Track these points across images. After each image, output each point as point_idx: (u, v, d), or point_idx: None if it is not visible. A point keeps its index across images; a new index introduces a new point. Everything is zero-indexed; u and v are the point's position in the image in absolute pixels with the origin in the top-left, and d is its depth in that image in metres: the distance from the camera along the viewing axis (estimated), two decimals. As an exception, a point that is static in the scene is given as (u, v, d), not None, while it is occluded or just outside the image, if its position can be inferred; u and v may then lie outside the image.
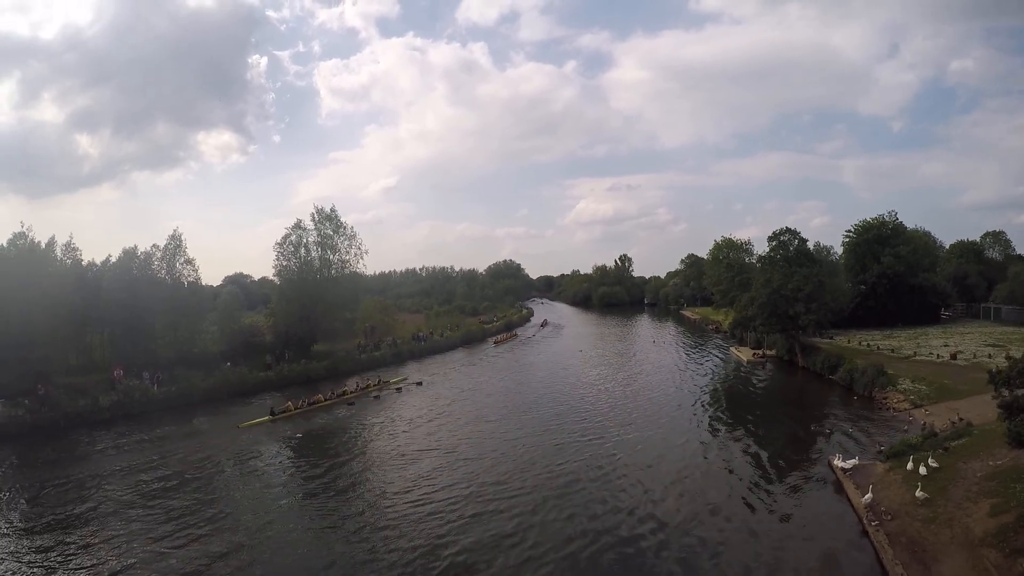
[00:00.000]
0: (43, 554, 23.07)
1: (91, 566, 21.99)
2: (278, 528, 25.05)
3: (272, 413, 45.54)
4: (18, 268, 47.74)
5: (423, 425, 42.48)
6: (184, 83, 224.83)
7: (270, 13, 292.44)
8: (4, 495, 30.25)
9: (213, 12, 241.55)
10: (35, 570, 21.92)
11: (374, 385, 56.75)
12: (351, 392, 53.97)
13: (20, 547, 23.90)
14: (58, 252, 53.35)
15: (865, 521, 22.93)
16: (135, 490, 30.01)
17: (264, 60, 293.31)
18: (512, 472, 31.17)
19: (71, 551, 23.23)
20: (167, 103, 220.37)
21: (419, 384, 58.78)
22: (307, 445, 38.43)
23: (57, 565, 22.14)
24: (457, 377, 63.71)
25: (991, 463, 24.26)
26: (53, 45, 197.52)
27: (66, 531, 25.16)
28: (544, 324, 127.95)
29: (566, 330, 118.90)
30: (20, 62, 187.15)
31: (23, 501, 29.27)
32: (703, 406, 46.24)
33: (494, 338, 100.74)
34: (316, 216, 73.15)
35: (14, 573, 21.71)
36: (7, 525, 26.38)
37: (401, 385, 58.45)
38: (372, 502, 28.03)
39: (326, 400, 50.42)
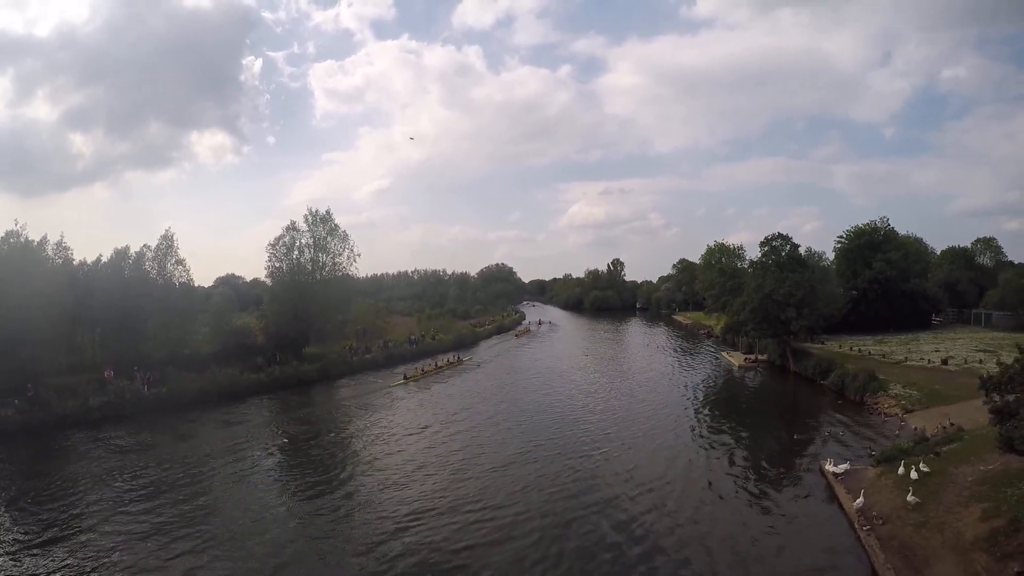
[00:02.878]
0: (27, 558, 22.69)
1: (78, 571, 21.70)
2: (274, 540, 24.08)
3: (405, 377, 62.55)
4: (9, 266, 47.36)
5: (419, 432, 41.96)
6: (178, 84, 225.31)
7: (265, 15, 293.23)
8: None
9: (209, 13, 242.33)
10: (20, 570, 21.65)
11: (455, 361, 74.61)
12: (444, 365, 71.50)
13: (4, 551, 23.53)
14: (49, 251, 52.95)
15: (856, 526, 22.97)
16: (123, 493, 29.61)
17: (259, 61, 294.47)
18: (521, 484, 30.05)
19: (56, 556, 22.81)
20: (161, 103, 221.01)
21: (486, 361, 78.76)
22: (301, 449, 38.24)
23: (42, 570, 21.75)
24: (460, 381, 63.55)
25: (982, 468, 24.35)
26: (48, 43, 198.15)
27: (52, 535, 24.69)
28: (540, 323, 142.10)
29: (561, 335, 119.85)
30: (14, 59, 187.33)
31: (10, 503, 28.84)
32: (695, 411, 46.26)
33: (515, 331, 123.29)
34: (309, 218, 72.94)
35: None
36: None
37: (468, 360, 77.94)
38: (367, 516, 26.88)
39: (432, 370, 68.10)
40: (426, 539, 23.90)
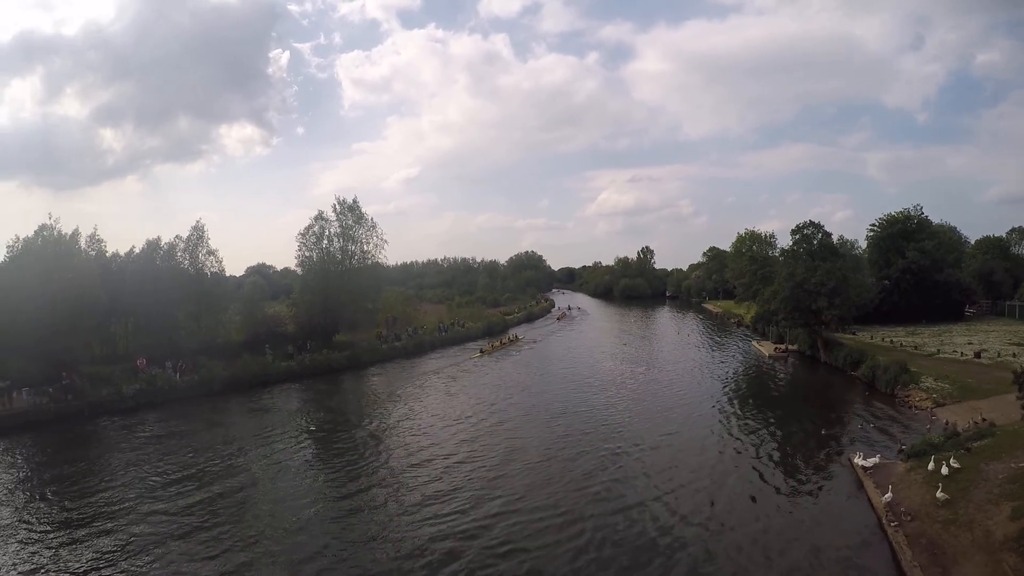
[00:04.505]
0: (60, 546, 23.07)
1: (111, 556, 22.11)
2: (307, 540, 23.48)
3: (481, 351, 73.70)
4: (44, 260, 48.22)
5: (453, 422, 41.77)
6: (206, 78, 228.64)
7: (291, 7, 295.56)
8: (27, 483, 30.57)
9: (234, 7, 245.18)
10: (53, 560, 21.95)
11: (515, 339, 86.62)
12: (508, 341, 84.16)
13: (40, 536, 24.03)
14: (82, 243, 53.75)
15: (884, 521, 22.72)
16: (155, 481, 30.07)
17: (286, 54, 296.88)
18: (564, 480, 29.48)
19: (87, 545, 23.12)
20: (189, 98, 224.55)
21: (535, 342, 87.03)
22: (332, 439, 38.63)
23: (72, 558, 22.12)
24: (476, 372, 63.75)
25: (1014, 465, 23.90)
26: (76, 41, 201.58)
27: (83, 524, 25.08)
28: (570, 308, 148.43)
29: (593, 323, 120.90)
30: (43, 59, 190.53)
31: (46, 489, 29.46)
32: (726, 401, 46.08)
33: (556, 315, 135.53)
34: (338, 207, 73.61)
35: (33, 564, 21.70)
36: (29, 514, 26.37)
37: (523, 339, 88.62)
38: (404, 514, 26.03)
39: (500, 346, 79.52)
40: (469, 539, 23.30)
